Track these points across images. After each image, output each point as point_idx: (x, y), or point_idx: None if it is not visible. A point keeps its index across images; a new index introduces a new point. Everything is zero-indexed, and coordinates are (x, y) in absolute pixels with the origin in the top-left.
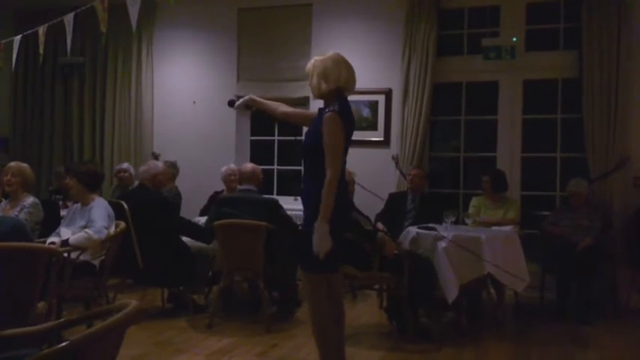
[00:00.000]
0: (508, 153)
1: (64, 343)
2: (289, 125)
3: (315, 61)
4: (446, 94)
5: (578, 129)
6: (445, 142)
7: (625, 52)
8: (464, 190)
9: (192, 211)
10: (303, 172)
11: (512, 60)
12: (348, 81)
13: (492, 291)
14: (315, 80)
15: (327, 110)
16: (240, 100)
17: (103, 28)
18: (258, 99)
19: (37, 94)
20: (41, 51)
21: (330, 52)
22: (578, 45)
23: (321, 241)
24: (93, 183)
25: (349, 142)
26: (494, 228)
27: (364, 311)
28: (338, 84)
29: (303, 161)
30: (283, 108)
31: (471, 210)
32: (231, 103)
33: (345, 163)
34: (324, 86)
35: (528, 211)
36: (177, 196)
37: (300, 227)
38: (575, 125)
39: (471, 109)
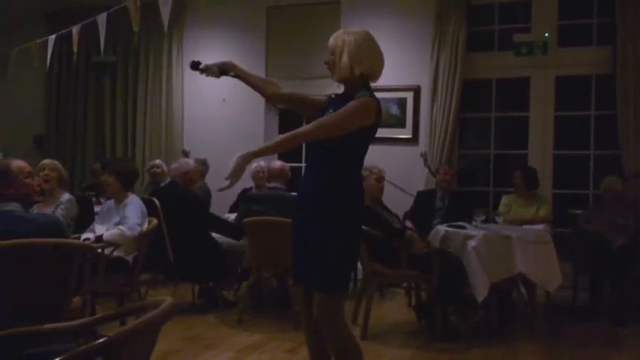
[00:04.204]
0: (540, 150)
1: (102, 339)
2: None
3: (345, 37)
4: (476, 91)
5: (612, 126)
6: (475, 140)
7: None
8: (494, 188)
9: (222, 207)
10: (311, 168)
11: (544, 56)
12: (380, 68)
13: (523, 290)
14: (345, 60)
15: (360, 94)
16: (212, 63)
17: (135, 28)
18: (239, 67)
19: (70, 92)
20: (75, 50)
21: (361, 30)
22: (612, 40)
23: (236, 166)
24: (130, 181)
25: (371, 139)
26: (525, 227)
27: (392, 309)
28: (370, 70)
29: (313, 154)
30: (274, 88)
31: (501, 208)
32: (194, 66)
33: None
34: (357, 69)
35: (561, 210)
36: (207, 193)
37: (315, 238)
38: (608, 122)
39: (502, 105)
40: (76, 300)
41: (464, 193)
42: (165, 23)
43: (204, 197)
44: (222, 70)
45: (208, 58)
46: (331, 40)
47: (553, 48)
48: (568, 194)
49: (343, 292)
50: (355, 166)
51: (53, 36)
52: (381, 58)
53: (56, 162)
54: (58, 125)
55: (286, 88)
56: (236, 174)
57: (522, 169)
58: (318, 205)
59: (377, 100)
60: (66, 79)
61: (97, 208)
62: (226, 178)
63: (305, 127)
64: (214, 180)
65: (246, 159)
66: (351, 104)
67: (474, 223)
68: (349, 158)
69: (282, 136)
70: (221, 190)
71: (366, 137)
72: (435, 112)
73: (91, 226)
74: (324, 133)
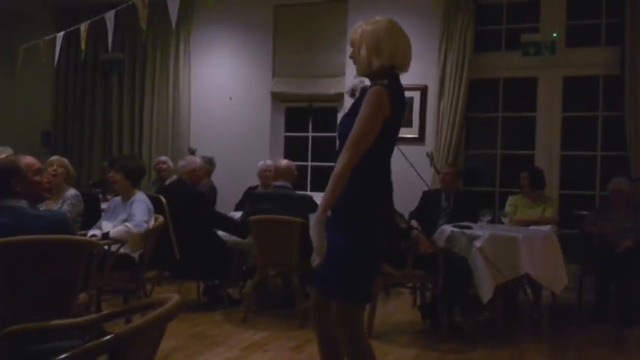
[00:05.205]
0: (547, 151)
1: (109, 336)
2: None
3: (363, 28)
4: (483, 91)
5: (620, 127)
6: (482, 140)
7: None
8: (500, 189)
9: (228, 205)
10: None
11: (552, 56)
12: (405, 57)
13: (529, 291)
14: (364, 54)
15: (371, 85)
16: (349, 87)
17: (143, 26)
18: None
19: (78, 89)
20: (83, 47)
21: (382, 18)
22: (621, 41)
23: (319, 239)
24: (137, 178)
25: (397, 133)
26: (532, 227)
27: (397, 309)
28: (393, 61)
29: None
30: None
31: (507, 209)
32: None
33: (389, 162)
34: (375, 62)
35: (567, 211)
36: (213, 190)
37: (336, 244)
38: (616, 123)
39: (509, 106)
40: (83, 296)
41: (470, 193)
42: (173, 21)
43: (211, 195)
44: (353, 90)
45: (214, 56)
46: (350, 33)
47: (561, 48)
48: (575, 195)
49: (362, 301)
50: (378, 171)
51: (61, 33)
52: (404, 47)
53: (65, 159)
54: (66, 122)
55: (292, 86)
56: (321, 245)
57: (529, 170)
58: (340, 213)
59: (388, 87)
60: (73, 77)
61: (103, 205)
62: (316, 255)
63: (343, 156)
64: (220, 178)
65: (321, 222)
66: (360, 112)
67: (479, 223)
68: (372, 162)
69: (330, 180)
70: (315, 267)
71: (386, 135)
72: (441, 111)
73: (98, 223)
74: (361, 149)
